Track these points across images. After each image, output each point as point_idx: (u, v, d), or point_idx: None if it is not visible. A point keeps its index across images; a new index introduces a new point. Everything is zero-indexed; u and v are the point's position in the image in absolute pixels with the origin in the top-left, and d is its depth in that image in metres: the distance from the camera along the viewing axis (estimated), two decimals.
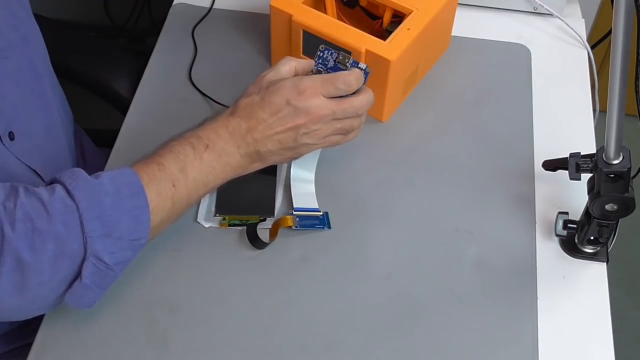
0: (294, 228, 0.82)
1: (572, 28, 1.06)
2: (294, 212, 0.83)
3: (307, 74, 0.81)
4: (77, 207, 0.67)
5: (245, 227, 0.83)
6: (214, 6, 1.07)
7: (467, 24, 1.06)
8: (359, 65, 0.80)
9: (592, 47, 1.06)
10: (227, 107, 0.94)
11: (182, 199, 0.74)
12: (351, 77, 0.77)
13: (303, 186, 0.86)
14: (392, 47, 0.87)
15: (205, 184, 0.75)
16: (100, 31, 1.97)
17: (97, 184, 0.69)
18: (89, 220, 0.67)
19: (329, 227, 0.83)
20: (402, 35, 0.89)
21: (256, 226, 0.82)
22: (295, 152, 0.79)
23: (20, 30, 0.81)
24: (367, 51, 0.87)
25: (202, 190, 0.76)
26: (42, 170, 0.83)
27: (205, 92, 0.97)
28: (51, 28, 0.89)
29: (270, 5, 0.92)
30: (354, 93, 0.79)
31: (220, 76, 0.99)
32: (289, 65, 0.79)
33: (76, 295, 0.70)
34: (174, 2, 1.10)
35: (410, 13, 0.91)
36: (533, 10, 1.08)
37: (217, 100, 0.96)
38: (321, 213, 0.84)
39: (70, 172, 0.70)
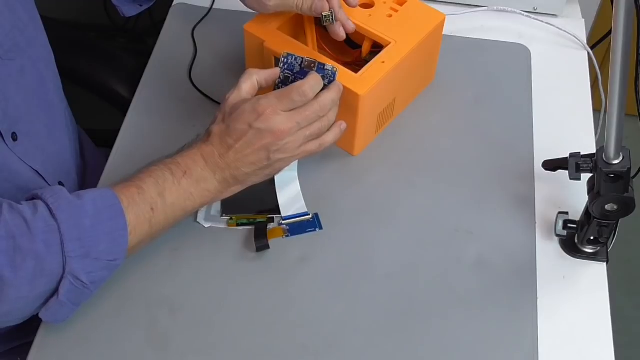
0: (284, 238, 0.82)
1: (572, 28, 1.06)
2: (283, 222, 0.84)
3: (273, 83, 0.81)
4: (58, 227, 0.68)
5: (251, 227, 0.83)
6: (214, 6, 1.08)
7: (467, 24, 1.06)
8: (325, 67, 0.80)
9: (592, 47, 1.06)
10: None
11: (159, 222, 0.75)
12: (305, 87, 0.77)
13: (288, 190, 0.86)
14: (363, 81, 0.84)
15: (184, 209, 0.77)
16: (100, 31, 1.97)
17: (79, 205, 0.70)
18: (69, 241, 0.68)
19: (321, 228, 0.84)
20: (375, 69, 0.85)
21: (266, 225, 0.83)
22: (272, 169, 0.80)
23: (25, 33, 0.81)
24: None
25: (180, 215, 0.77)
26: (44, 170, 0.84)
27: (205, 92, 0.97)
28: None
29: (244, 29, 0.90)
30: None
31: (220, 76, 0.99)
32: (250, 82, 0.80)
33: (51, 311, 0.71)
34: (174, 2, 1.10)
35: (387, 45, 0.88)
36: (533, 10, 1.08)
37: (217, 100, 0.96)
38: (310, 216, 0.84)
39: (52, 190, 0.71)
